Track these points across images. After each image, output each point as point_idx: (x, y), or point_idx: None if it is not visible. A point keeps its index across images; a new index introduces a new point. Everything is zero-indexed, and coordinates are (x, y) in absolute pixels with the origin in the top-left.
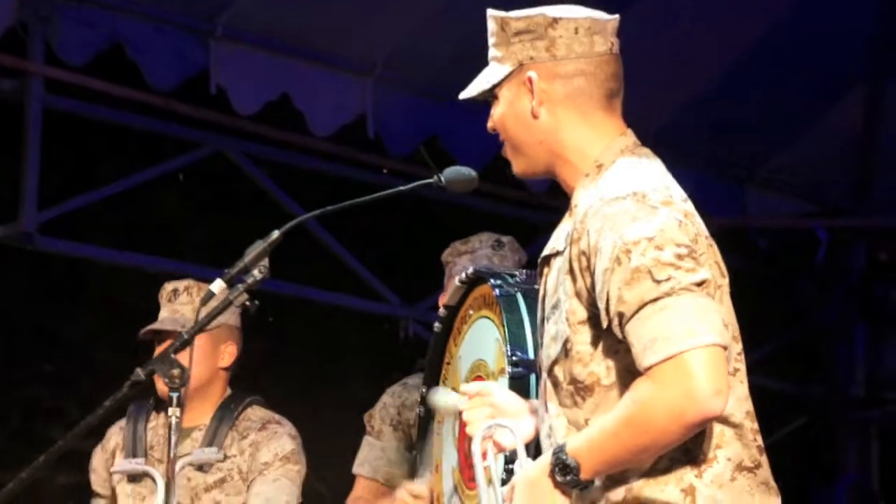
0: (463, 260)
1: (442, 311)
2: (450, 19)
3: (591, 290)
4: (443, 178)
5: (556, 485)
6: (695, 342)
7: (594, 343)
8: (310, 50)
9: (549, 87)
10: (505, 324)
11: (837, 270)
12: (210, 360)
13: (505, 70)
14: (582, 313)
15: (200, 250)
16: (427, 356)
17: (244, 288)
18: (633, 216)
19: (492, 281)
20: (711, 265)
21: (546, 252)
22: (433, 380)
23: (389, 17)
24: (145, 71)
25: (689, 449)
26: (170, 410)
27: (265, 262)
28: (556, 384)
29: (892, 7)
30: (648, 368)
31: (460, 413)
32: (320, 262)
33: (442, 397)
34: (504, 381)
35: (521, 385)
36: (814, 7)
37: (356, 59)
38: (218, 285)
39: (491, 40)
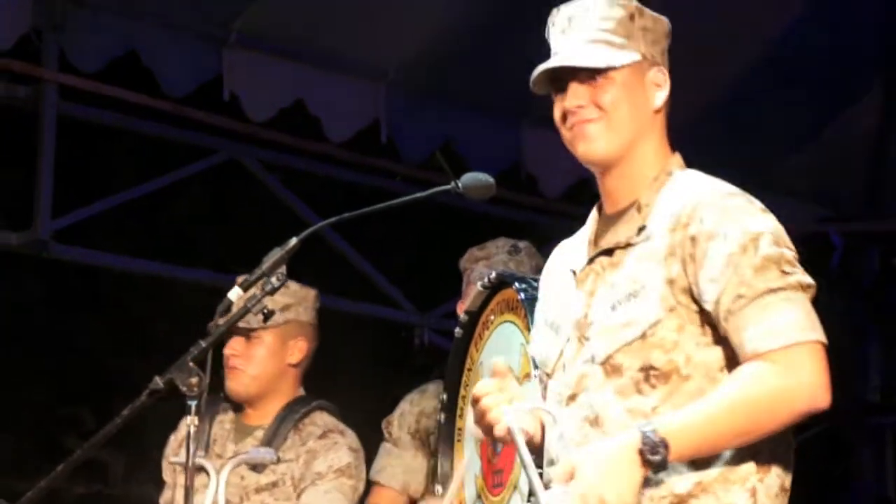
0: (479, 266)
1: (463, 316)
2: (463, 25)
3: (691, 276)
4: (460, 185)
5: (644, 463)
6: (812, 336)
7: (679, 331)
8: (323, 56)
9: (668, 88)
10: (531, 327)
11: (851, 275)
12: (278, 356)
13: (632, 55)
14: (671, 301)
15: (215, 257)
16: (448, 362)
17: (262, 295)
18: (749, 212)
19: (516, 285)
20: None
21: (604, 246)
22: (454, 386)
23: (402, 22)
24: (159, 78)
25: (757, 452)
26: (188, 419)
27: (283, 269)
28: (614, 371)
29: None
30: (764, 353)
31: (483, 414)
32: (335, 269)
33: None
34: (530, 386)
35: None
36: (828, 12)
37: (369, 64)
38: (235, 293)
39: (605, 24)
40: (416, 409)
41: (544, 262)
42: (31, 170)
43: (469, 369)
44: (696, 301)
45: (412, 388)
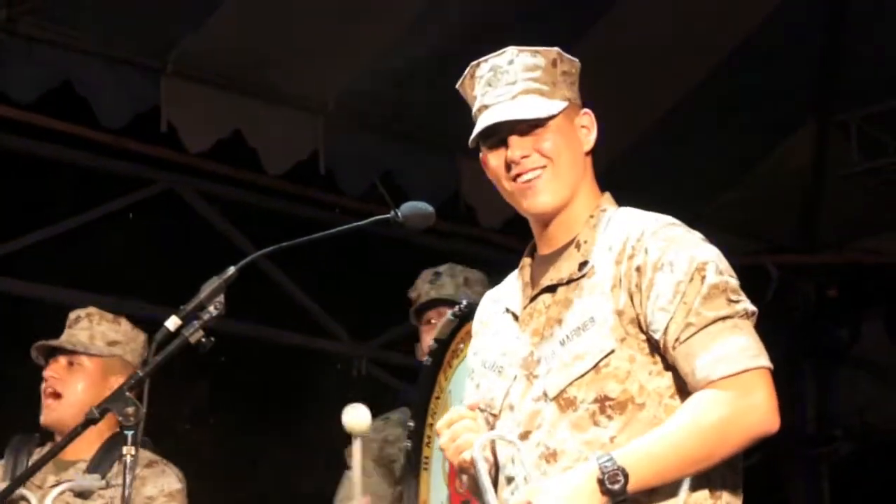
0: (418, 307)
1: (432, 344)
2: (401, 58)
3: (639, 306)
4: (400, 214)
5: (604, 492)
6: (766, 362)
7: (631, 361)
8: (261, 87)
9: (595, 129)
10: None
11: (786, 307)
12: (98, 388)
13: (558, 104)
14: (621, 331)
15: (152, 288)
16: (417, 390)
17: (199, 325)
18: (694, 242)
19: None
20: None
21: (546, 283)
22: (422, 414)
23: (341, 55)
24: (95, 108)
25: (710, 480)
26: (124, 449)
27: (221, 298)
28: (568, 405)
29: (836, 49)
30: (716, 381)
31: (452, 439)
32: (272, 300)
33: (352, 415)
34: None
35: None
36: (760, 48)
37: (308, 96)
38: (172, 322)
39: (531, 74)
40: (379, 436)
41: (474, 274)
42: None
43: (437, 397)
44: (643, 331)
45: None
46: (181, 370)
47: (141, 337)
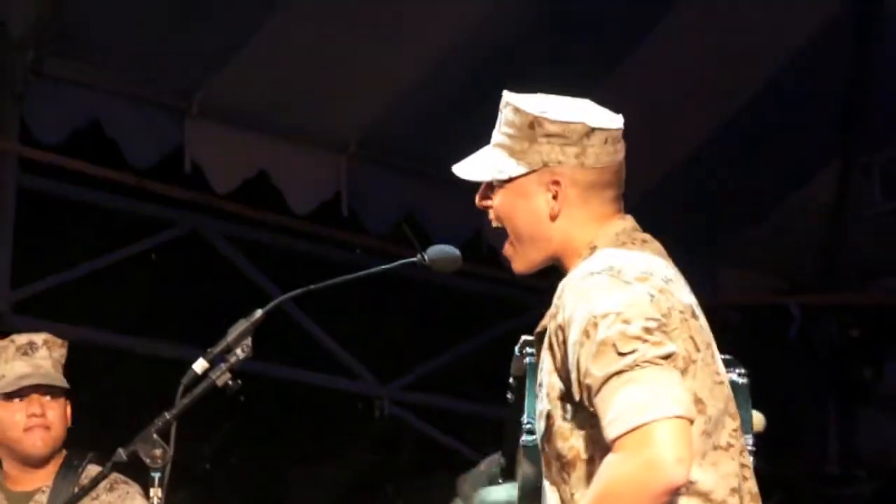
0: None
1: (512, 381)
2: (424, 98)
3: (566, 363)
4: (427, 258)
5: None
6: (657, 413)
7: (572, 417)
8: (285, 127)
9: (570, 192)
10: (527, 392)
11: (809, 346)
12: (65, 421)
13: (524, 167)
14: (559, 388)
15: (176, 329)
16: (505, 427)
17: (227, 367)
18: (604, 290)
19: (527, 349)
20: (685, 339)
21: (537, 330)
22: (510, 453)
23: (363, 95)
24: (124, 149)
25: None
26: (151, 491)
27: (248, 341)
28: (546, 462)
29: (861, 90)
30: (612, 442)
31: None
32: (293, 340)
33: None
34: None
35: (535, 452)
36: (785, 88)
37: (331, 136)
38: (200, 364)
39: (508, 129)
40: (473, 491)
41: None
42: None
43: None
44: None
45: (371, 458)
46: (202, 410)
47: (63, 352)
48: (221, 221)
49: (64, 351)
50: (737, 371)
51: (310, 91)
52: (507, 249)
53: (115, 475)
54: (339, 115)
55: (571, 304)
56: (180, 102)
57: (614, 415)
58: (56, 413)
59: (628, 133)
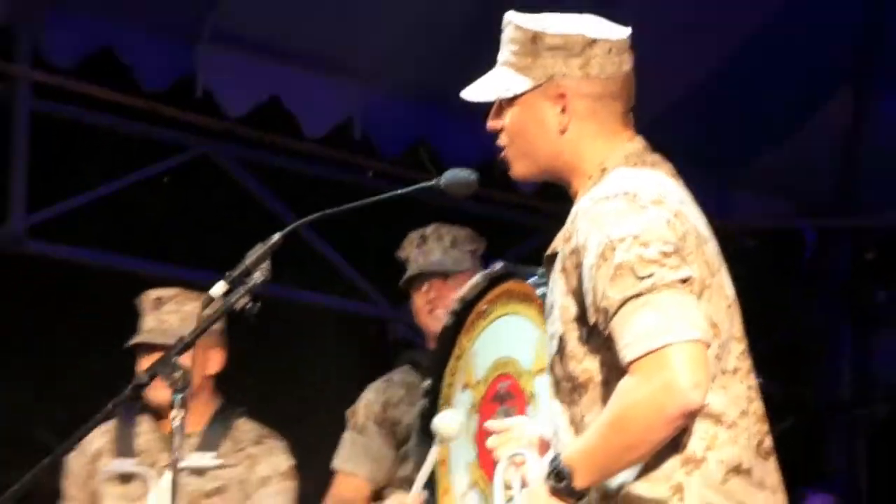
0: (407, 266)
1: (455, 305)
2: (437, 21)
3: (580, 287)
4: (442, 182)
5: (552, 492)
6: (675, 337)
7: (586, 340)
8: (298, 52)
9: (577, 104)
10: None
11: (824, 271)
12: (200, 368)
13: (530, 82)
14: (574, 310)
15: (188, 254)
16: (434, 348)
17: (245, 291)
18: (620, 214)
19: (530, 280)
20: (700, 264)
21: (548, 252)
22: (439, 372)
23: (377, 18)
24: (136, 74)
25: (679, 448)
26: (173, 412)
27: (266, 264)
28: (556, 382)
29: (878, 9)
30: (628, 365)
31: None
32: (307, 264)
33: (444, 421)
34: (544, 380)
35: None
36: (800, 8)
37: (344, 60)
38: (219, 288)
39: (512, 47)
40: (381, 397)
41: (461, 233)
42: (5, 166)
43: (458, 357)
44: None
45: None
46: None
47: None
48: (233, 146)
49: (198, 304)
50: None
51: (322, 15)
52: (507, 153)
53: (262, 428)
54: (351, 38)
55: (586, 228)
56: (192, 27)
57: (631, 338)
58: (193, 358)
59: (639, 57)
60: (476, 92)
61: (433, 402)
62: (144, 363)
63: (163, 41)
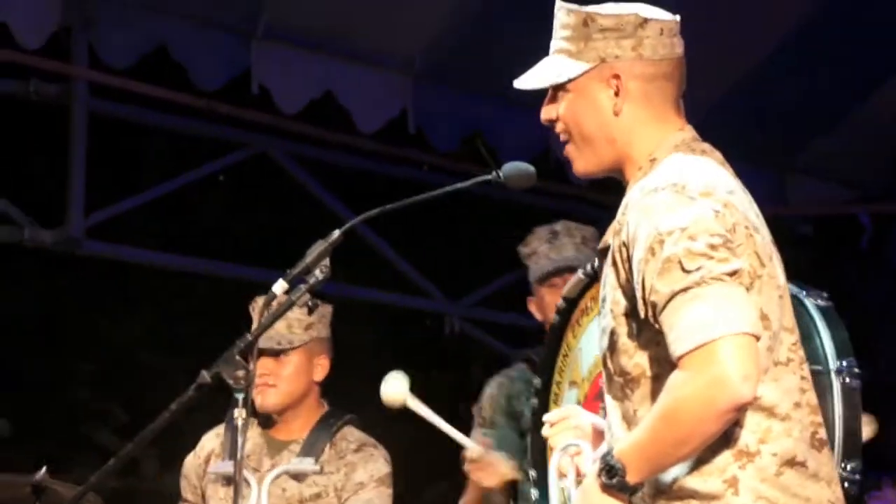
0: (531, 263)
1: (560, 302)
2: (489, 14)
3: (631, 280)
4: (501, 175)
5: (604, 488)
6: (724, 330)
7: (637, 334)
8: (351, 47)
9: (631, 86)
10: None
11: (881, 256)
12: (306, 375)
13: (583, 65)
14: (624, 304)
15: (245, 251)
16: (544, 347)
17: (306, 288)
18: (669, 207)
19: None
20: (750, 255)
21: (600, 246)
22: (548, 371)
23: (430, 12)
24: (191, 73)
25: (732, 441)
26: (235, 412)
27: (326, 261)
28: (609, 377)
29: None
30: (678, 359)
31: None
32: (363, 259)
33: (389, 386)
34: None
35: None
36: None
37: (397, 54)
38: (280, 286)
39: (563, 33)
40: (504, 391)
41: (589, 232)
42: (63, 167)
43: (565, 355)
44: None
45: (441, 376)
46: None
47: (328, 309)
48: (289, 142)
49: (307, 310)
50: (819, 296)
51: (375, 9)
52: (569, 149)
53: (365, 437)
54: (404, 32)
55: (635, 221)
56: (246, 24)
57: (679, 332)
58: (285, 370)
59: (692, 46)
60: (529, 80)
61: (544, 400)
62: (259, 366)
63: (217, 39)
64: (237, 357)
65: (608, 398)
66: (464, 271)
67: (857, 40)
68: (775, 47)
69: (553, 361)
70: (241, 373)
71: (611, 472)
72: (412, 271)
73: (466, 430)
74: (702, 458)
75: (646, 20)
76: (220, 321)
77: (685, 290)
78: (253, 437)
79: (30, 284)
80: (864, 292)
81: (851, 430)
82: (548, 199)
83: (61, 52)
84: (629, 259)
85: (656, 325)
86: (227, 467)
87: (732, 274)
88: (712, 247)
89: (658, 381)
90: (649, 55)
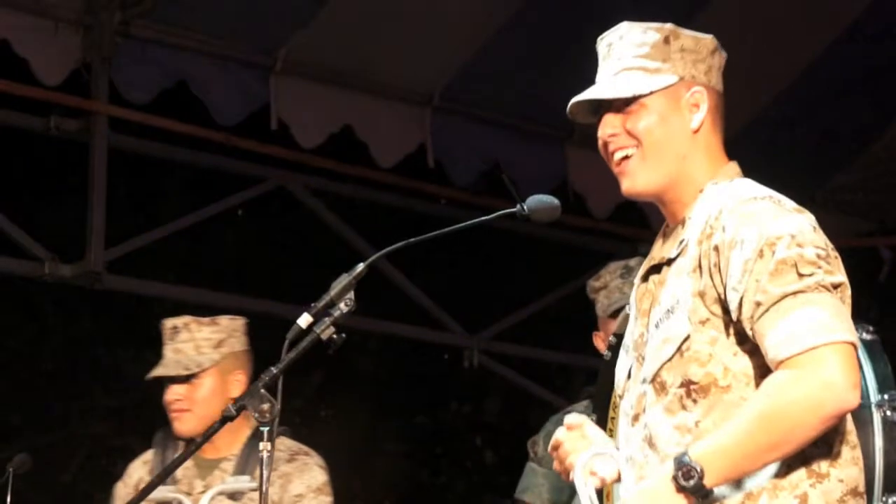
0: (600, 296)
1: (612, 339)
2: (507, 48)
3: (719, 286)
4: (526, 208)
5: (679, 490)
6: (834, 337)
7: (713, 343)
8: (369, 81)
9: (706, 107)
10: None
11: None
12: (221, 394)
13: (665, 80)
14: (703, 313)
15: (264, 285)
16: (596, 384)
17: (331, 321)
18: (774, 214)
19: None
20: (844, 273)
21: (653, 262)
22: (603, 407)
23: (447, 46)
24: (210, 107)
25: (806, 460)
26: (261, 445)
27: (350, 294)
28: (661, 389)
29: None
30: (785, 360)
31: (560, 461)
32: (381, 292)
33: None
34: None
35: None
36: (875, 26)
37: (415, 88)
38: (304, 319)
39: (637, 51)
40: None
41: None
42: (83, 202)
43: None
44: (727, 311)
45: (460, 409)
46: (293, 364)
47: (239, 322)
48: (308, 176)
49: (214, 328)
50: (866, 329)
51: (392, 44)
52: (631, 163)
53: (297, 446)
54: (421, 66)
55: (734, 225)
56: (265, 59)
57: (788, 334)
58: (198, 393)
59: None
60: (606, 91)
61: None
62: (170, 393)
63: (236, 74)
64: (262, 390)
65: (653, 413)
66: (483, 304)
67: (878, 71)
68: (794, 79)
69: (608, 398)
70: (266, 406)
71: (688, 474)
72: (431, 304)
73: (482, 461)
74: (776, 472)
75: (717, 49)
76: None
77: (797, 293)
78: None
79: (50, 319)
80: (883, 325)
81: (892, 464)
82: (566, 232)
83: (82, 87)
84: (718, 265)
85: (750, 328)
86: (162, 493)
87: (837, 286)
88: (819, 257)
89: (727, 392)
90: (715, 84)
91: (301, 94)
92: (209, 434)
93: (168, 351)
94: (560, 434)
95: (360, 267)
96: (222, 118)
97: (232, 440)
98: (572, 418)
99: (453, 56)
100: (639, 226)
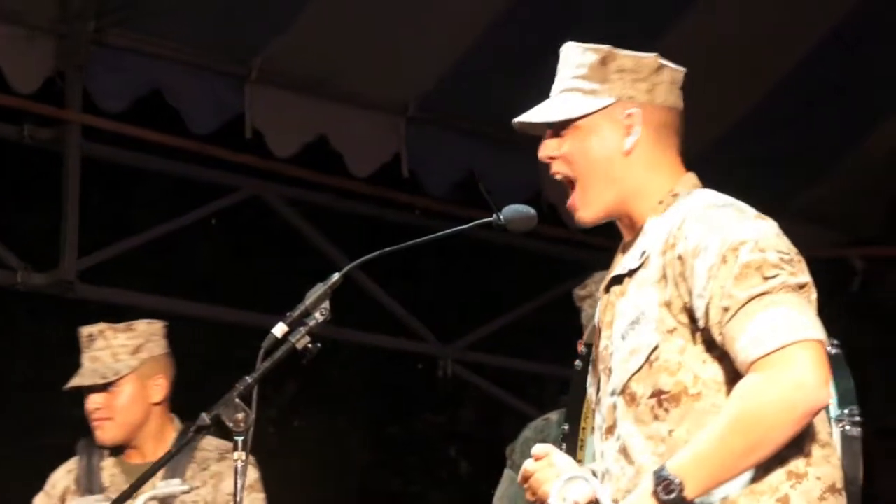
0: (586, 305)
1: (583, 349)
2: (482, 57)
3: (685, 295)
4: (502, 217)
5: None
6: (802, 335)
7: (681, 352)
8: (344, 91)
9: (643, 129)
10: None
11: (873, 300)
12: (142, 400)
13: (598, 102)
14: (670, 322)
15: (238, 295)
16: (569, 393)
17: (306, 331)
18: (736, 220)
19: None
20: (808, 275)
21: (615, 273)
22: (575, 417)
23: (422, 56)
24: (185, 116)
25: (784, 461)
26: (235, 455)
27: (326, 304)
28: (632, 400)
29: None
30: (754, 362)
31: (533, 492)
32: (355, 302)
33: None
34: None
35: None
36: (848, 39)
37: (390, 98)
38: (279, 329)
39: (576, 71)
40: (539, 436)
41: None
42: (56, 211)
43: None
44: (694, 320)
45: (434, 419)
46: (266, 374)
47: (157, 325)
48: (282, 186)
49: (131, 333)
50: (832, 342)
51: (367, 53)
52: (573, 200)
53: (227, 445)
54: (397, 76)
55: (697, 233)
56: (239, 68)
57: (755, 336)
58: (118, 401)
59: (689, 87)
60: (538, 114)
61: (572, 446)
62: (89, 402)
63: (211, 83)
64: (237, 400)
65: (624, 426)
66: (457, 315)
67: (850, 83)
68: (768, 90)
69: (579, 408)
70: (240, 416)
71: (668, 488)
72: (405, 314)
73: (457, 472)
74: (754, 476)
75: (662, 66)
76: (214, 364)
77: (762, 295)
78: (108, 468)
79: (22, 328)
80: (855, 336)
81: (851, 479)
82: (541, 242)
83: (55, 96)
84: (683, 273)
85: (718, 334)
86: (90, 503)
87: (803, 286)
88: (783, 260)
89: (697, 400)
90: (661, 101)
91: (275, 104)
92: (182, 445)
93: (85, 360)
94: (528, 465)
95: (336, 276)
96: (196, 127)
97: (157, 445)
98: (538, 449)
99: (428, 66)
100: (610, 236)
